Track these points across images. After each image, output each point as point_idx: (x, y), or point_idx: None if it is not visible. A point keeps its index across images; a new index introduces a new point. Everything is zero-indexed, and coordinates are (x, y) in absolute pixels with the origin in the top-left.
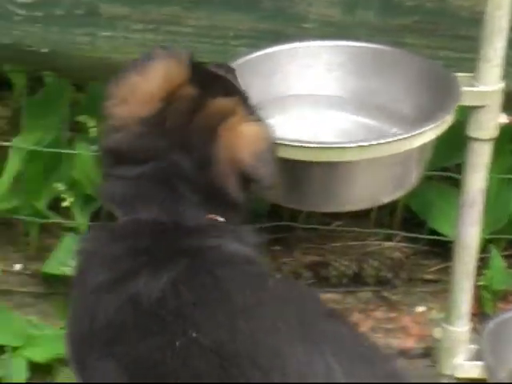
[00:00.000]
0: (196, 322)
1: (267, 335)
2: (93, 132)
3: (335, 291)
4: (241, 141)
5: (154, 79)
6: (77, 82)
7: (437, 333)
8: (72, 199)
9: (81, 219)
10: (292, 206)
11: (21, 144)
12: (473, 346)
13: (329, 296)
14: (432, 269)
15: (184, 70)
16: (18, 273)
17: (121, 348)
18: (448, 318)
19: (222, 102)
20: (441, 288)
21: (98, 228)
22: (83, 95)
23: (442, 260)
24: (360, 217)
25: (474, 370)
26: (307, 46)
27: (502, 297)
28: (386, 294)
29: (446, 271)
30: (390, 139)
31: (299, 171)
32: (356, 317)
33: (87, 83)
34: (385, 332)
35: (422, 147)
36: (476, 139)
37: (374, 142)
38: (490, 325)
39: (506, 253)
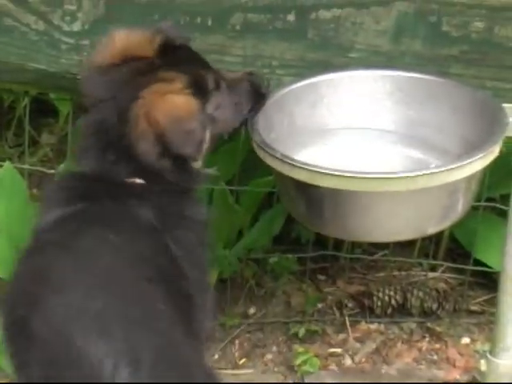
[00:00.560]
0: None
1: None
2: None
3: (379, 321)
4: (162, 105)
5: (122, 42)
6: None
7: (482, 365)
8: None
9: None
10: (337, 236)
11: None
12: None
13: (373, 326)
14: (477, 300)
15: (153, 44)
16: None
17: None
18: (493, 350)
19: (166, 73)
20: (486, 319)
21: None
22: None
23: (487, 291)
24: (404, 246)
25: None
26: (352, 76)
27: None
28: (430, 324)
29: (492, 302)
30: (437, 170)
31: (345, 201)
32: (400, 347)
33: None
34: (429, 363)
35: (469, 178)
36: None
37: (421, 173)
38: None
39: None
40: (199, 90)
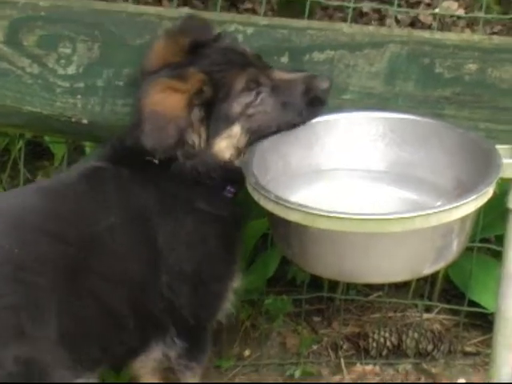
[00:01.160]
0: None
1: None
2: None
3: (375, 363)
4: (154, 97)
5: (159, 50)
6: None
7: None
8: None
9: None
10: (332, 278)
11: None
12: None
13: (368, 368)
14: (472, 341)
15: (182, 48)
16: None
17: None
18: None
19: (184, 71)
20: (481, 361)
21: None
22: None
23: (482, 332)
24: (399, 288)
25: None
26: (346, 118)
27: None
28: (425, 366)
29: (487, 343)
30: (431, 211)
31: (340, 243)
32: None
33: None
34: None
35: (464, 219)
36: None
37: (415, 214)
38: None
39: None
40: (217, 91)
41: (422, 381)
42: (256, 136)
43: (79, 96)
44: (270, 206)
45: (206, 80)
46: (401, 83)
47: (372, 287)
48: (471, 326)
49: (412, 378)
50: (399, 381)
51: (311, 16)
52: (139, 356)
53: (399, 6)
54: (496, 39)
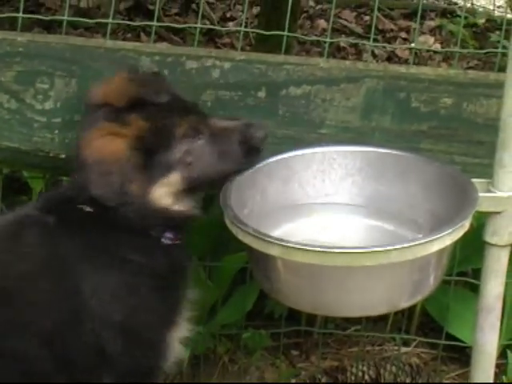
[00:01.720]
0: None
1: None
2: None
3: None
4: (95, 143)
5: (102, 91)
6: None
7: None
8: None
9: None
10: (310, 312)
11: None
12: None
13: None
14: (450, 374)
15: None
16: None
17: None
18: None
19: (128, 117)
20: None
21: None
22: None
23: (460, 366)
24: (377, 321)
25: None
26: (323, 152)
27: None
28: None
29: (465, 377)
30: (408, 244)
31: (317, 276)
32: None
33: None
34: None
35: (440, 252)
36: (493, 245)
37: (392, 247)
38: None
39: None
40: (158, 138)
41: None
42: (194, 184)
43: (56, 131)
44: (248, 240)
45: (147, 127)
46: (377, 117)
47: (350, 321)
48: (449, 359)
49: None
50: None
51: (288, 51)
52: None
53: (376, 40)
54: (471, 73)
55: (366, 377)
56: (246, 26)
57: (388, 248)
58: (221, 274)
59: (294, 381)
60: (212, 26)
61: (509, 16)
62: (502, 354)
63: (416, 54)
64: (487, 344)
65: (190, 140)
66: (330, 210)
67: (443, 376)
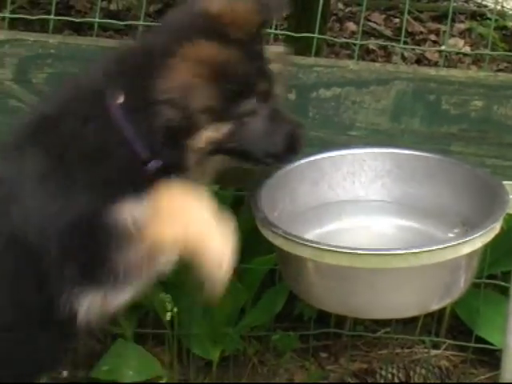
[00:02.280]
0: None
1: None
2: None
3: None
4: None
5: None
6: None
7: None
8: None
9: (126, 326)
10: (340, 313)
11: None
12: None
13: None
14: (480, 377)
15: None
16: (66, 379)
17: None
18: None
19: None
20: None
21: None
22: None
23: (490, 369)
24: (407, 324)
25: None
26: (353, 154)
27: None
28: None
29: (495, 380)
30: (439, 247)
31: (347, 278)
32: None
33: None
34: None
35: (471, 255)
36: None
37: (422, 250)
38: None
39: None
40: (239, 83)
41: None
42: (229, 146)
43: None
44: (278, 242)
45: (238, 68)
46: (407, 120)
47: (379, 323)
48: (479, 362)
49: None
50: None
51: (318, 53)
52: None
53: (405, 43)
54: (501, 76)
55: (396, 379)
56: (276, 28)
57: (419, 250)
58: (250, 276)
59: (323, 383)
60: None
61: None
62: None
63: (446, 56)
64: None
65: (258, 102)
66: (360, 212)
67: (472, 379)
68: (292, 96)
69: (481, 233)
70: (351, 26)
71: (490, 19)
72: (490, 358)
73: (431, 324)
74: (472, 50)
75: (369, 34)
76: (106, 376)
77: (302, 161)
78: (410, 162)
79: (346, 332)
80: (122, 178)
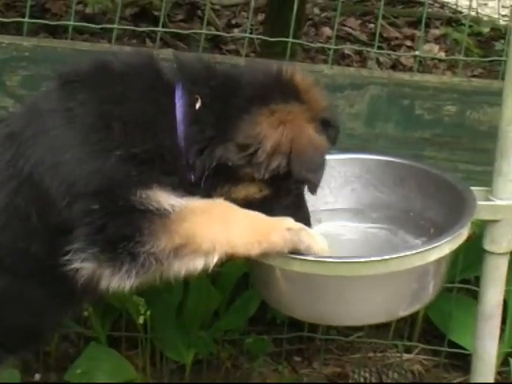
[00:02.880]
0: None
1: None
2: None
3: None
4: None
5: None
6: None
7: None
8: (91, 309)
9: (100, 329)
10: (310, 321)
11: None
12: None
13: None
14: (453, 381)
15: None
16: (39, 382)
17: None
18: None
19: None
20: None
21: None
22: None
23: (462, 373)
24: (380, 328)
25: None
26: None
27: None
28: None
29: None
30: (405, 254)
31: (316, 286)
32: None
33: None
34: None
35: (439, 261)
36: (492, 253)
37: (390, 257)
38: None
39: None
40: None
41: None
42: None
43: None
44: None
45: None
46: (381, 125)
47: (352, 327)
48: (451, 366)
49: None
50: None
51: (293, 57)
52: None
53: (381, 48)
54: (475, 82)
55: (368, 383)
56: (251, 33)
57: (386, 257)
58: (224, 280)
59: None
60: (217, 33)
61: None
62: (504, 362)
63: (420, 62)
64: (486, 351)
65: (295, 184)
66: (330, 218)
67: (445, 383)
68: None
69: (448, 239)
70: (327, 30)
71: (464, 25)
72: (463, 362)
73: (404, 328)
74: (447, 55)
75: (344, 39)
76: (79, 379)
77: None
78: (379, 167)
79: (319, 336)
80: (166, 169)
